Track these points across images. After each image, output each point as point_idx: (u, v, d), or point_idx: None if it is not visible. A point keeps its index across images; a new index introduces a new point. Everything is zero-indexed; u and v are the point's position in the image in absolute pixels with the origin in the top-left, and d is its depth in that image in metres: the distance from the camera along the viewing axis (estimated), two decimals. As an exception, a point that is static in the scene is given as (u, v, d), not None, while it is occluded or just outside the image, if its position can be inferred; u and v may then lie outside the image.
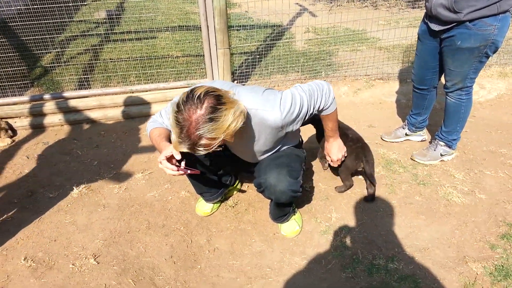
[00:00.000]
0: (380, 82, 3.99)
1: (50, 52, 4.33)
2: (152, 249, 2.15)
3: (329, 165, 2.61)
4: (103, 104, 3.49)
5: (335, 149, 2.21)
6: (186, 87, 3.53)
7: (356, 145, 2.41)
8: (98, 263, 2.05)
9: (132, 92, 3.60)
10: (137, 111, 3.50)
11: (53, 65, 4.15)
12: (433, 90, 2.78)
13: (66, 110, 3.41)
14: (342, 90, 3.89)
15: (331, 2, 6.42)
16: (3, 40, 3.53)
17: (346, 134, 2.49)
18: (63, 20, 3.93)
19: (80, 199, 2.51)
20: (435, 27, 2.38)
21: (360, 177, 2.64)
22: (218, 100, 1.51)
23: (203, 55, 3.53)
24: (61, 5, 3.39)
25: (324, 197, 2.50)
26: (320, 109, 1.92)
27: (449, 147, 2.75)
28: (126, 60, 4.17)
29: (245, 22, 5.63)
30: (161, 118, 1.90)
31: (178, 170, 1.69)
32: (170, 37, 4.98)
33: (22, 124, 3.33)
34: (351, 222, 2.31)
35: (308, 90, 1.83)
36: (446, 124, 2.70)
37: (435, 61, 2.58)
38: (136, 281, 1.96)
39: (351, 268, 2.03)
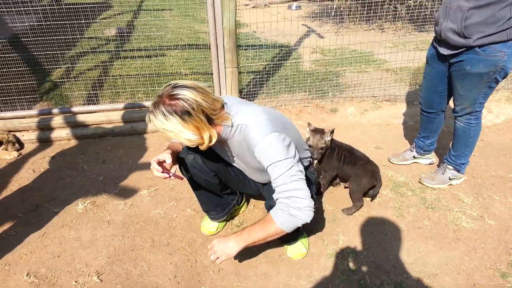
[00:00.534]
0: (387, 104, 4.00)
1: (60, 67, 4.40)
2: (156, 268, 2.11)
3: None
4: (110, 119, 3.51)
5: (223, 245, 1.77)
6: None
7: (368, 163, 2.46)
8: (101, 281, 2.02)
9: (140, 108, 3.62)
10: (144, 127, 3.51)
11: (62, 80, 4.20)
12: (441, 114, 2.77)
13: (73, 124, 3.43)
14: (349, 110, 3.90)
15: (338, 24, 6.51)
16: (15, 54, 3.59)
17: (353, 153, 2.50)
18: (74, 36, 3.99)
19: (85, 214, 2.50)
20: (444, 51, 2.39)
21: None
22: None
23: (212, 73, 3.56)
24: (73, 22, 3.45)
25: (331, 219, 2.47)
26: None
27: (458, 171, 2.73)
28: (135, 77, 4.21)
29: (253, 42, 5.71)
30: None
31: (163, 173, 1.80)
32: (179, 55, 5.05)
33: (29, 138, 3.34)
34: (358, 245, 2.27)
35: (293, 176, 1.68)
36: (455, 148, 2.68)
37: (444, 85, 2.58)
38: (138, 301, 1.92)
39: (358, 293, 1.98)
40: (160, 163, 1.81)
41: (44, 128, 3.41)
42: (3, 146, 3.11)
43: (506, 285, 2.00)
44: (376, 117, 3.83)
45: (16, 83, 3.47)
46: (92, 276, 2.04)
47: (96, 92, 3.96)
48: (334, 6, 6.51)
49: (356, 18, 6.40)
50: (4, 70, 3.42)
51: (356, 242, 2.29)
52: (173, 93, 1.59)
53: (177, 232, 2.36)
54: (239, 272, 2.11)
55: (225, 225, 2.41)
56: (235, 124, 1.75)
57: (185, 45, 5.34)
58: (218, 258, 1.76)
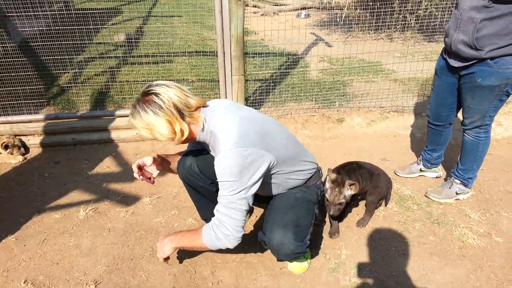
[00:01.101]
0: (395, 114, 3.95)
1: (68, 72, 4.43)
2: (154, 278, 2.08)
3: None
4: (116, 125, 3.51)
5: (161, 244, 1.91)
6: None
7: (378, 170, 2.46)
8: (98, 290, 2.00)
9: (146, 115, 3.62)
10: (149, 133, 3.50)
11: (70, 85, 4.23)
12: (449, 127, 2.72)
13: (79, 130, 3.44)
14: (355, 121, 3.86)
15: (346, 33, 6.49)
16: (23, 59, 3.62)
17: (363, 167, 2.41)
18: (83, 42, 4.02)
19: (86, 221, 2.49)
20: (455, 63, 2.34)
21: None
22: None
23: (218, 80, 3.56)
24: (82, 27, 3.48)
25: (334, 232, 2.43)
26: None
27: (465, 185, 2.67)
28: (142, 83, 4.23)
29: (261, 50, 5.71)
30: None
31: (139, 175, 1.93)
32: (187, 61, 5.07)
33: (35, 142, 3.36)
34: (361, 260, 2.22)
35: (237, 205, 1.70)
36: (463, 161, 2.63)
37: (453, 97, 2.53)
38: (136, 312, 1.89)
39: (360, 310, 1.93)
40: (142, 166, 1.95)
41: (50, 132, 3.42)
42: (8, 150, 3.12)
43: (514, 306, 1.94)
44: (383, 128, 3.79)
45: (23, 87, 3.49)
46: (89, 285, 2.01)
47: (102, 97, 3.98)
48: (343, 15, 6.49)
49: (365, 27, 6.38)
50: (13, 74, 3.45)
51: (359, 256, 2.25)
52: (146, 90, 1.68)
53: (177, 241, 2.34)
54: (239, 285, 2.07)
55: (226, 235, 2.37)
56: (207, 128, 1.74)
57: (193, 52, 5.35)
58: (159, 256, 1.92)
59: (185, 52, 5.26)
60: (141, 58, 4.99)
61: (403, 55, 5.29)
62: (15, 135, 3.29)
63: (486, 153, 2.57)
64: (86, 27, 3.49)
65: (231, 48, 3.31)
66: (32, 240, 2.32)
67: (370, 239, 2.36)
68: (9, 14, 3.51)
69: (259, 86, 4.36)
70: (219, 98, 3.68)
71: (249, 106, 3.95)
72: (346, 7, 6.44)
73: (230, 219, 1.70)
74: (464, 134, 2.55)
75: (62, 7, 5.48)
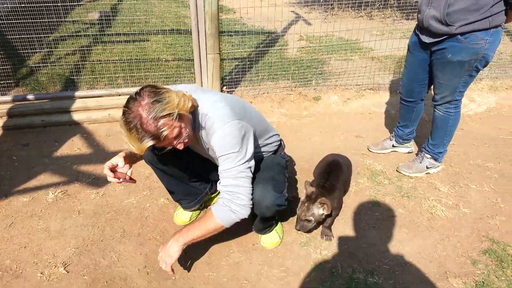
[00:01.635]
0: (371, 92, 3.96)
1: (37, 52, 4.27)
2: (125, 258, 2.07)
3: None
4: (87, 106, 3.42)
5: (165, 251, 1.77)
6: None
7: (336, 186, 2.23)
8: (68, 272, 1.97)
9: (119, 95, 3.54)
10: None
11: (39, 65, 4.08)
12: (420, 103, 2.74)
13: (49, 111, 3.34)
14: (332, 99, 3.85)
15: (326, 11, 6.42)
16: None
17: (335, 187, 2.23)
18: (52, 20, 3.86)
19: (55, 204, 2.44)
20: (426, 39, 2.35)
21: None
22: (155, 88, 1.54)
23: (193, 59, 3.48)
24: (49, 4, 3.33)
25: (307, 208, 2.44)
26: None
27: (435, 160, 2.71)
28: (115, 62, 4.11)
29: (239, 28, 5.60)
30: None
31: (114, 177, 1.78)
32: (162, 40, 4.94)
33: (3, 124, 3.25)
34: (332, 234, 2.25)
35: (243, 176, 1.71)
36: (433, 137, 2.67)
37: (425, 73, 2.54)
38: (106, 292, 1.89)
39: (329, 282, 1.97)
40: (114, 167, 1.82)
41: (19, 114, 3.32)
42: (-26, 133, 3.02)
43: (476, 272, 2.00)
44: (359, 106, 3.80)
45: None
46: (58, 267, 1.99)
47: (73, 77, 3.86)
48: (323, -8, 6.40)
49: (345, 5, 6.31)
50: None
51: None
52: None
53: (149, 222, 2.32)
54: (211, 262, 2.08)
55: (199, 214, 2.37)
56: (202, 112, 1.71)
57: (169, 30, 5.22)
58: (165, 265, 1.76)
59: (161, 31, 5.13)
60: (115, 36, 4.84)
61: (381, 33, 5.28)
62: (-19, 118, 3.18)
63: (456, 128, 2.61)
64: (53, 4, 3.35)
65: (206, 25, 3.23)
66: (-1, 224, 2.27)
67: (342, 214, 2.39)
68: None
69: (236, 65, 4.30)
70: (194, 78, 3.62)
71: (225, 85, 3.90)
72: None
73: (242, 188, 1.71)
74: (435, 109, 2.58)
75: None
